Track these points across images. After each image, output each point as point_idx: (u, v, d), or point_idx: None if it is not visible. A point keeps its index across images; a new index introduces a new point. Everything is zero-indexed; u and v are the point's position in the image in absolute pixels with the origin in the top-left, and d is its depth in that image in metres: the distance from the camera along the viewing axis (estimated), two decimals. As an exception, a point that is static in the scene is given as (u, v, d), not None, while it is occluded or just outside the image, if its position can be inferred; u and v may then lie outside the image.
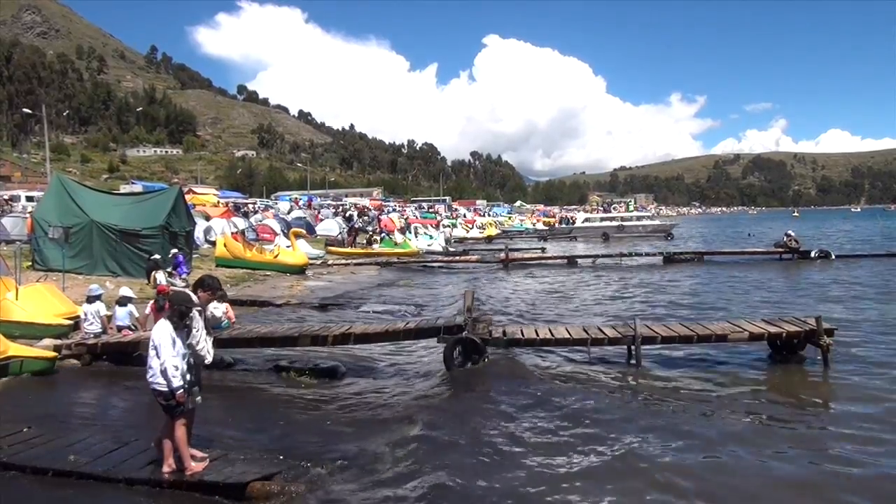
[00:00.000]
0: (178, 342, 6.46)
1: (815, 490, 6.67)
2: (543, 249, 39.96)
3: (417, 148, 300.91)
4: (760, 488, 6.67)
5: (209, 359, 7.06)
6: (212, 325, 9.52)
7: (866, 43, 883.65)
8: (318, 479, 6.68)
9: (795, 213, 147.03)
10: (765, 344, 11.81)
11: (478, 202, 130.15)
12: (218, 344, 8.71)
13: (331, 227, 43.88)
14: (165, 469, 6.53)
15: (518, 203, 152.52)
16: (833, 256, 30.91)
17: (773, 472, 7.02)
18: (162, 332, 6.41)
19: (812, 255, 31.32)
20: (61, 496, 6.19)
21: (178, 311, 6.50)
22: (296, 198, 79.31)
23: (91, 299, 12.31)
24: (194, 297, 6.99)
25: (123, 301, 12.71)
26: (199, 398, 6.94)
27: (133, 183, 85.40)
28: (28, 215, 27.02)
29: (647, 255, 34.60)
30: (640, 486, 6.71)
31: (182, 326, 6.52)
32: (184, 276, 19.22)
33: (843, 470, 7.06)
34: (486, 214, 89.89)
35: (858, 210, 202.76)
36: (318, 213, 56.22)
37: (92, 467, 6.57)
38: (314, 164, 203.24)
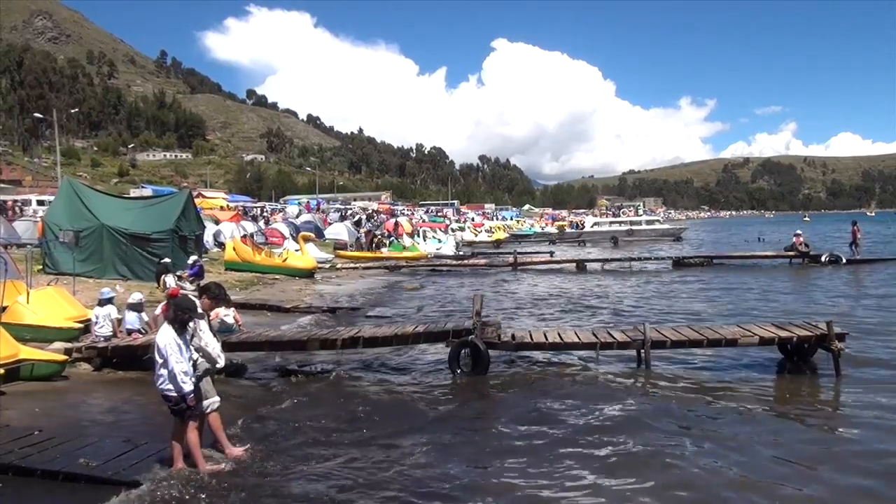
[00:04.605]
0: (184, 347, 6.51)
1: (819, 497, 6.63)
2: (552, 254, 39.87)
3: (426, 152, 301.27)
4: (765, 495, 6.63)
5: (221, 362, 7.12)
6: (222, 329, 9.56)
7: (877, 46, 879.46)
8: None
9: (806, 218, 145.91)
10: (775, 348, 11.76)
11: (486, 206, 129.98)
12: (227, 348, 8.74)
13: (339, 230, 43.89)
14: (174, 471, 6.58)
15: (526, 207, 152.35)
16: (844, 260, 30.69)
17: (777, 478, 6.97)
18: (167, 339, 6.45)
19: (822, 259, 31.13)
20: (72, 499, 6.20)
21: (179, 319, 6.55)
22: (306, 202, 79.41)
23: (102, 302, 12.38)
24: (199, 304, 7.07)
25: (134, 305, 12.76)
26: (216, 399, 6.99)
27: (143, 187, 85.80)
28: (39, 219, 27.18)
29: (657, 259, 34.52)
30: (642, 492, 6.69)
31: (184, 332, 6.57)
32: (199, 280, 19.26)
33: (852, 479, 7.01)
34: (494, 218, 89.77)
35: (873, 214, 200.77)
36: (327, 216, 56.29)
37: (103, 470, 6.60)
38: (323, 168, 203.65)
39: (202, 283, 17.41)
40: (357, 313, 18.66)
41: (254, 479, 6.77)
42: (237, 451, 7.11)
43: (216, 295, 7.42)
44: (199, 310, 6.98)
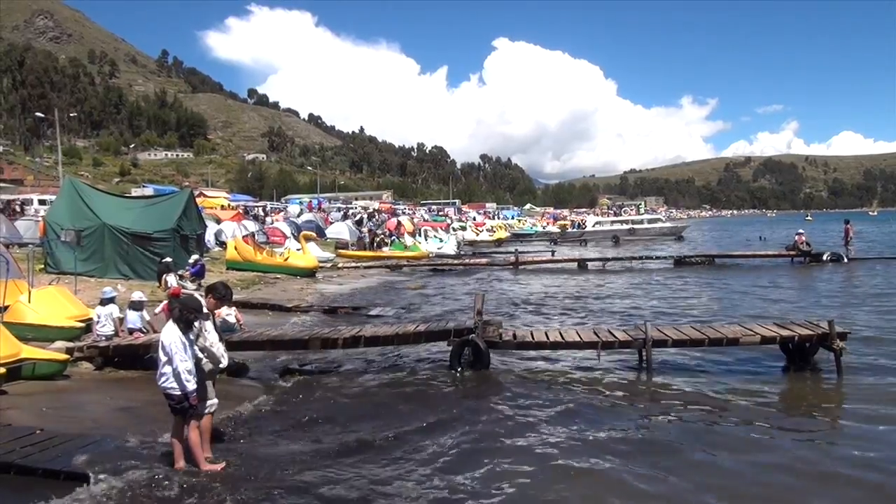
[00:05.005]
0: (189, 345, 6.51)
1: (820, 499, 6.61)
2: (553, 253, 39.89)
3: (427, 151, 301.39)
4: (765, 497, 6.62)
5: (224, 362, 7.12)
6: (224, 329, 9.59)
7: (878, 45, 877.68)
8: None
9: (808, 217, 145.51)
10: (777, 347, 11.74)
11: (487, 205, 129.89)
12: (228, 347, 8.74)
13: (341, 230, 43.95)
14: (176, 470, 6.59)
15: (528, 206, 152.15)
16: (846, 259, 30.70)
17: (778, 480, 6.96)
18: (172, 337, 6.45)
19: (824, 257, 31.12)
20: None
21: (185, 319, 6.54)
22: (309, 201, 79.46)
23: (105, 302, 12.38)
24: (204, 302, 7.07)
25: (135, 304, 12.77)
26: (216, 401, 6.98)
27: (144, 186, 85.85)
28: (40, 218, 27.18)
29: (658, 258, 34.48)
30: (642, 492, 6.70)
31: (188, 331, 6.57)
32: (201, 279, 19.26)
33: (853, 478, 6.99)
34: (495, 217, 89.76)
35: (875, 213, 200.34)
36: (328, 216, 56.31)
37: (105, 469, 6.58)
38: (324, 168, 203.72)
39: (202, 281, 17.49)
40: (358, 312, 18.66)
41: (254, 478, 6.76)
42: (212, 466, 7.01)
43: (223, 295, 7.40)
44: (205, 309, 6.99)
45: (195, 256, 20.16)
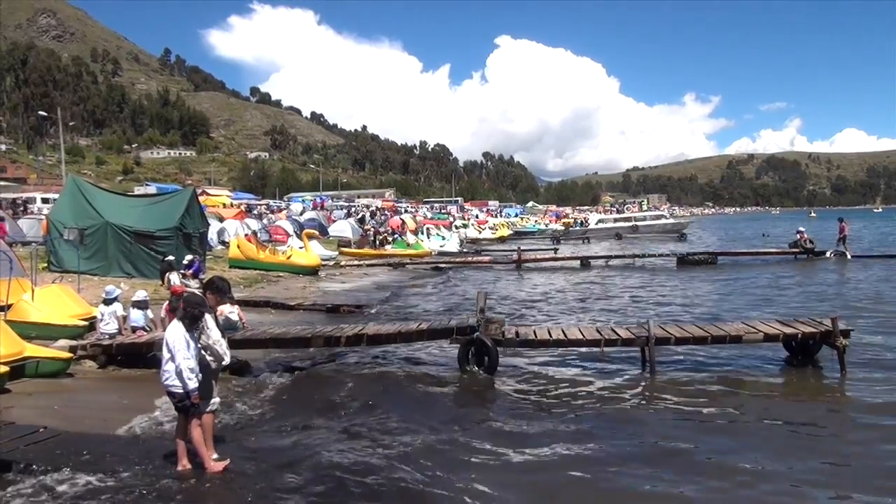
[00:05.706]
0: (192, 343, 6.51)
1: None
2: (556, 251, 39.85)
3: (430, 149, 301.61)
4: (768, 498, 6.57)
5: (227, 359, 7.11)
6: (227, 327, 9.62)
7: (881, 42, 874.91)
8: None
9: (812, 214, 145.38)
10: (780, 345, 11.72)
11: (490, 203, 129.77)
12: (231, 345, 8.74)
13: (343, 228, 43.94)
14: (179, 469, 6.59)
15: (530, 204, 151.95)
16: (849, 256, 30.68)
17: (780, 480, 6.92)
18: (176, 335, 6.45)
19: (827, 254, 31.10)
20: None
21: (190, 315, 6.54)
22: (313, 200, 79.46)
23: (108, 301, 12.39)
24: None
25: (138, 303, 12.78)
26: (217, 399, 6.98)
27: (147, 185, 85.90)
28: (43, 217, 27.21)
29: (661, 256, 34.42)
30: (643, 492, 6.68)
31: (193, 329, 6.57)
32: (200, 276, 19.24)
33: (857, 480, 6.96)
34: (498, 215, 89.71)
35: (879, 210, 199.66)
36: (331, 214, 56.31)
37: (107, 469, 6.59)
38: (326, 166, 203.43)
39: (202, 277, 17.48)
40: (361, 311, 18.65)
41: (256, 476, 6.76)
42: (216, 465, 6.97)
43: (219, 288, 7.35)
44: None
45: (189, 256, 20.10)
